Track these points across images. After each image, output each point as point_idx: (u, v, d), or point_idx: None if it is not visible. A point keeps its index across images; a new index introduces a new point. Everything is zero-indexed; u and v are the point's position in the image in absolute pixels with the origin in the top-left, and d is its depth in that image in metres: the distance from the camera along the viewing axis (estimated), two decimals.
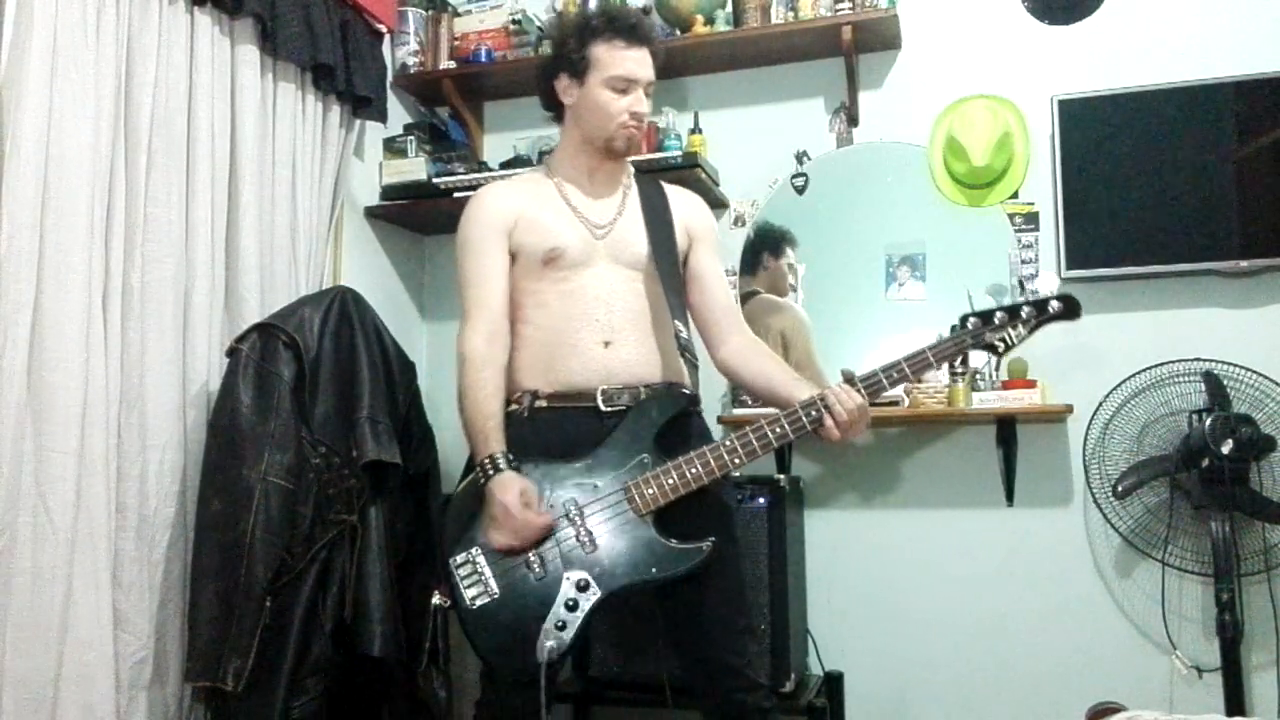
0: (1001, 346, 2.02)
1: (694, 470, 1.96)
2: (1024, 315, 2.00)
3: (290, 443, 2.25)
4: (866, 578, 2.93)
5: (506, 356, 2.09)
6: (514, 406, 2.07)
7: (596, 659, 2.66)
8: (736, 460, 1.97)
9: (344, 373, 2.39)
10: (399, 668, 2.42)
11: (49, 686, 1.94)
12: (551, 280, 2.09)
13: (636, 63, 2.08)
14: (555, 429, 2.04)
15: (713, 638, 2.04)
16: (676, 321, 2.11)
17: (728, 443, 1.98)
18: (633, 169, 2.27)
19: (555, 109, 2.20)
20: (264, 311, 2.45)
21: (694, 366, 2.14)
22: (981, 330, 2.01)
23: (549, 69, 2.16)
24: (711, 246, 2.27)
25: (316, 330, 2.36)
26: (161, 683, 2.21)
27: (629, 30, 2.08)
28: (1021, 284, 2.40)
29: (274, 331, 2.32)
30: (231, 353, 2.31)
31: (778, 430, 1.96)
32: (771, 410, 2.03)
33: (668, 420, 2.04)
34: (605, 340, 2.07)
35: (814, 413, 1.96)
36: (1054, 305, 2.00)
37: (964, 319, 2.02)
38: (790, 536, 2.64)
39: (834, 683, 2.81)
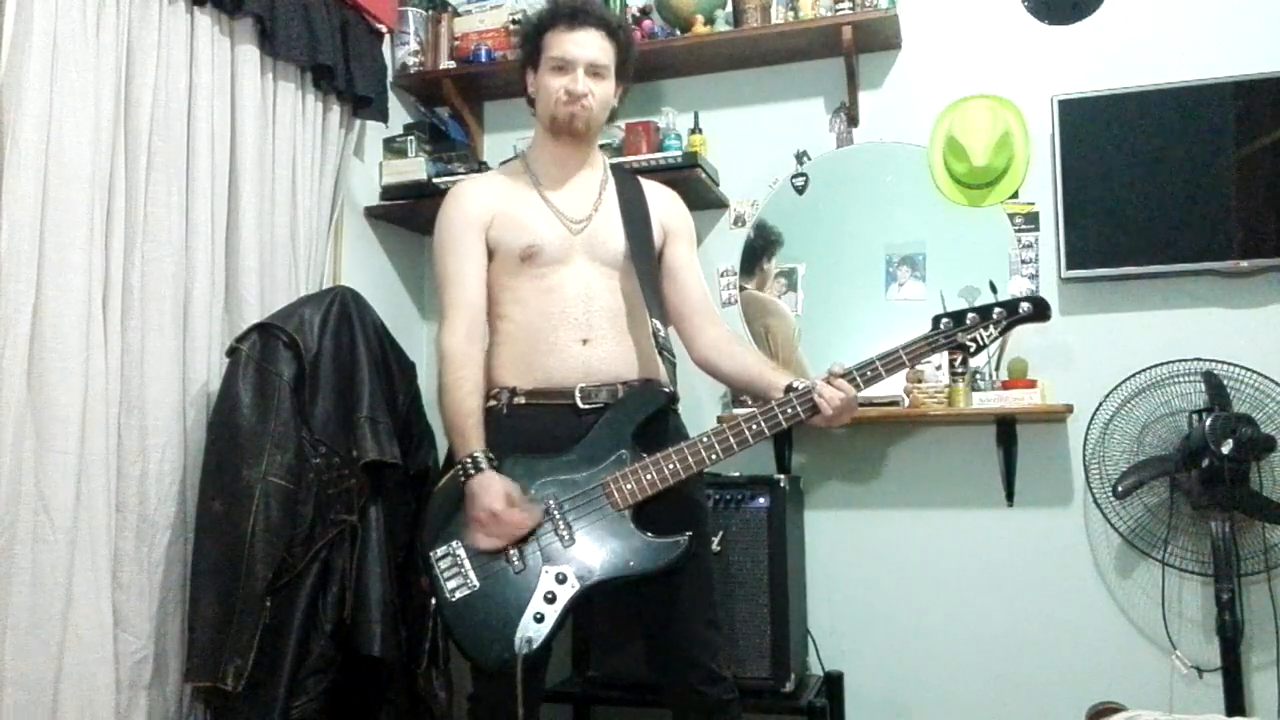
0: (973, 346, 2.06)
1: (671, 466, 1.99)
2: (995, 316, 2.05)
3: (290, 443, 2.25)
4: (866, 578, 2.93)
5: (484, 354, 2.12)
6: (492, 403, 2.09)
7: (596, 659, 2.66)
8: (713, 457, 2.00)
9: (344, 373, 2.39)
10: (399, 668, 2.42)
11: (49, 686, 1.94)
12: (529, 277, 2.11)
13: (575, 43, 2.11)
14: (533, 426, 2.06)
15: (681, 631, 2.08)
16: (654, 320, 2.13)
17: (705, 439, 2.01)
18: (607, 163, 2.29)
19: (532, 104, 2.23)
20: (264, 311, 2.45)
21: (672, 364, 2.16)
22: (954, 330, 2.05)
23: (521, 67, 2.22)
24: (687, 242, 2.29)
25: (316, 330, 2.36)
26: (161, 683, 2.21)
27: (569, 14, 2.12)
28: (993, 286, 2.49)
29: (274, 331, 2.32)
30: (231, 353, 2.31)
31: (754, 428, 2.00)
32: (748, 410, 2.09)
33: (646, 418, 2.07)
34: (583, 338, 2.09)
35: (789, 410, 2.00)
36: (1024, 307, 2.06)
37: (937, 319, 2.07)
38: (790, 536, 2.63)
39: (834, 683, 2.81)
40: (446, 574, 1.98)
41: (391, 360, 2.54)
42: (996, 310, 2.05)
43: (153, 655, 2.17)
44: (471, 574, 1.97)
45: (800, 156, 3.05)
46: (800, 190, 3.06)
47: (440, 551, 1.99)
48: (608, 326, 2.11)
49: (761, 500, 2.61)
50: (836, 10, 2.89)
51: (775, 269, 3.05)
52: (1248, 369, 2.60)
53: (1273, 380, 2.58)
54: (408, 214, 3.13)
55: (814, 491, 2.98)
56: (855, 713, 2.85)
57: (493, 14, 3.25)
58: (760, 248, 3.07)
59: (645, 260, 2.17)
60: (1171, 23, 2.82)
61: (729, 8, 3.04)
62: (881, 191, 2.98)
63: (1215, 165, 2.69)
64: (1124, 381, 2.68)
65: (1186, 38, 2.80)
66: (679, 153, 2.91)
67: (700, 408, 2.94)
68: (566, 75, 2.11)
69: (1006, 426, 2.81)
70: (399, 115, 3.21)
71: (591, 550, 1.98)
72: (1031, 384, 2.70)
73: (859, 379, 2.01)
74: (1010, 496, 2.83)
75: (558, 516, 1.99)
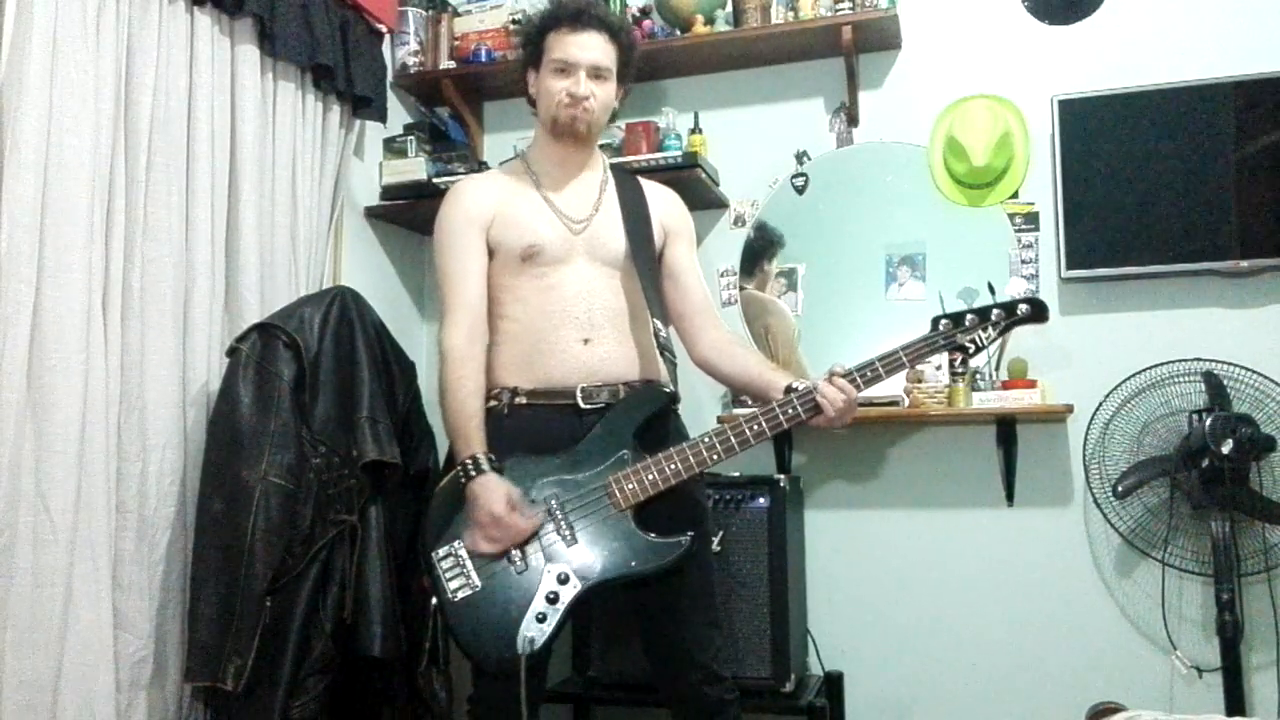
0: (972, 348, 2.09)
1: (673, 466, 2.00)
2: (993, 318, 2.07)
3: (290, 443, 2.25)
4: (866, 578, 2.93)
5: (485, 353, 2.11)
6: (493, 403, 2.09)
7: (596, 659, 2.66)
8: (715, 457, 2.01)
9: (344, 373, 2.39)
10: (399, 668, 2.42)
11: (49, 686, 1.94)
12: (530, 276, 2.12)
13: (578, 46, 2.11)
14: (535, 426, 2.07)
15: (682, 632, 2.09)
16: (655, 320, 2.14)
17: (706, 439, 2.01)
18: (607, 163, 2.30)
19: (533, 104, 2.24)
20: (264, 311, 2.45)
21: (673, 364, 2.17)
22: (953, 332, 2.07)
23: (522, 66, 2.22)
24: (688, 243, 2.30)
25: (316, 330, 2.36)
26: (161, 683, 2.21)
27: (572, 16, 2.12)
28: (991, 288, 2.49)
29: (274, 331, 2.32)
30: (231, 353, 2.31)
31: (755, 428, 2.01)
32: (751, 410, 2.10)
33: (647, 418, 2.07)
34: (585, 338, 2.10)
35: (790, 410, 2.00)
36: (1022, 308, 2.08)
37: (936, 320, 2.08)
38: (790, 536, 2.63)
39: (834, 683, 2.81)
40: (448, 574, 1.98)
41: (391, 360, 2.54)
42: (995, 311, 2.07)
43: (153, 655, 2.17)
44: (473, 574, 1.97)
45: (800, 156, 3.05)
46: (800, 190, 3.06)
47: (442, 552, 2.00)
48: (609, 326, 2.12)
49: (761, 500, 2.61)
50: (836, 10, 2.89)
51: (775, 269, 3.05)
52: (1248, 369, 2.60)
53: (1273, 380, 2.58)
54: (408, 214, 3.13)
55: (814, 491, 2.98)
56: (855, 713, 2.85)
57: (493, 14, 3.25)
58: (760, 248, 3.07)
59: (646, 260, 2.17)
60: (1171, 23, 2.82)
61: (729, 8, 3.04)
62: (881, 191, 2.98)
63: (1215, 165, 2.69)
64: (1124, 382, 2.68)
65: (1186, 38, 2.80)
66: (679, 153, 2.91)
67: (701, 408, 2.94)
68: (569, 78, 2.11)
69: (1006, 426, 2.81)
70: (399, 115, 3.21)
71: (593, 550, 1.98)
72: (1031, 384, 2.70)
73: (860, 380, 2.02)
74: (1010, 496, 2.83)
75: (559, 517, 1.99)
